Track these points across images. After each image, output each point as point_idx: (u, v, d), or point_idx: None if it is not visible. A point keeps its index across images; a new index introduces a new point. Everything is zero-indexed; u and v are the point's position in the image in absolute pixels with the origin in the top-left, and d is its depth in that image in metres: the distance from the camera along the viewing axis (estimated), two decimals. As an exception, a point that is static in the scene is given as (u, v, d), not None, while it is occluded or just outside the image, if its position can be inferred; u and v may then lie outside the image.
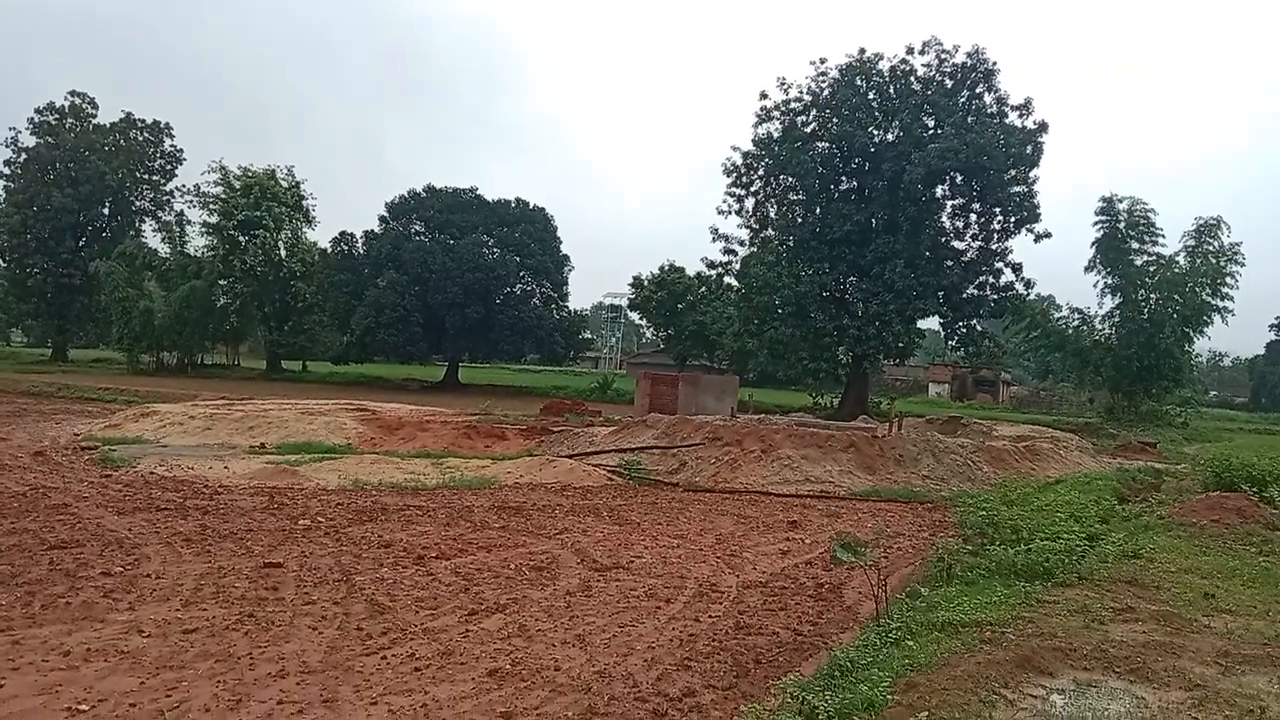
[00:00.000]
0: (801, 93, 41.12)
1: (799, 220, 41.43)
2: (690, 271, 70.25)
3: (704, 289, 67.44)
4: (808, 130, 40.80)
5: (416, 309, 50.93)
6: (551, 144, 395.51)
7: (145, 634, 6.42)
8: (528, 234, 54.83)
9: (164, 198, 64.94)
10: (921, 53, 40.16)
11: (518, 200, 57.43)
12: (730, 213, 42.96)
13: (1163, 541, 9.93)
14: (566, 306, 59.09)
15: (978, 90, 39.71)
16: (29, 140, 61.31)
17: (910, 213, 37.89)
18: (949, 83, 39.69)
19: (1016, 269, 40.36)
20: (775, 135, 41.25)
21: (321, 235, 75.16)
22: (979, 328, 41.95)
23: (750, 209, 42.80)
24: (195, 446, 18.42)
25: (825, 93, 40.63)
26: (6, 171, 61.51)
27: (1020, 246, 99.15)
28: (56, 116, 62.00)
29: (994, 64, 39.40)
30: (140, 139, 63.86)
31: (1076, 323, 44.51)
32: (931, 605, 7.12)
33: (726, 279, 48.09)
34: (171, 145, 64.88)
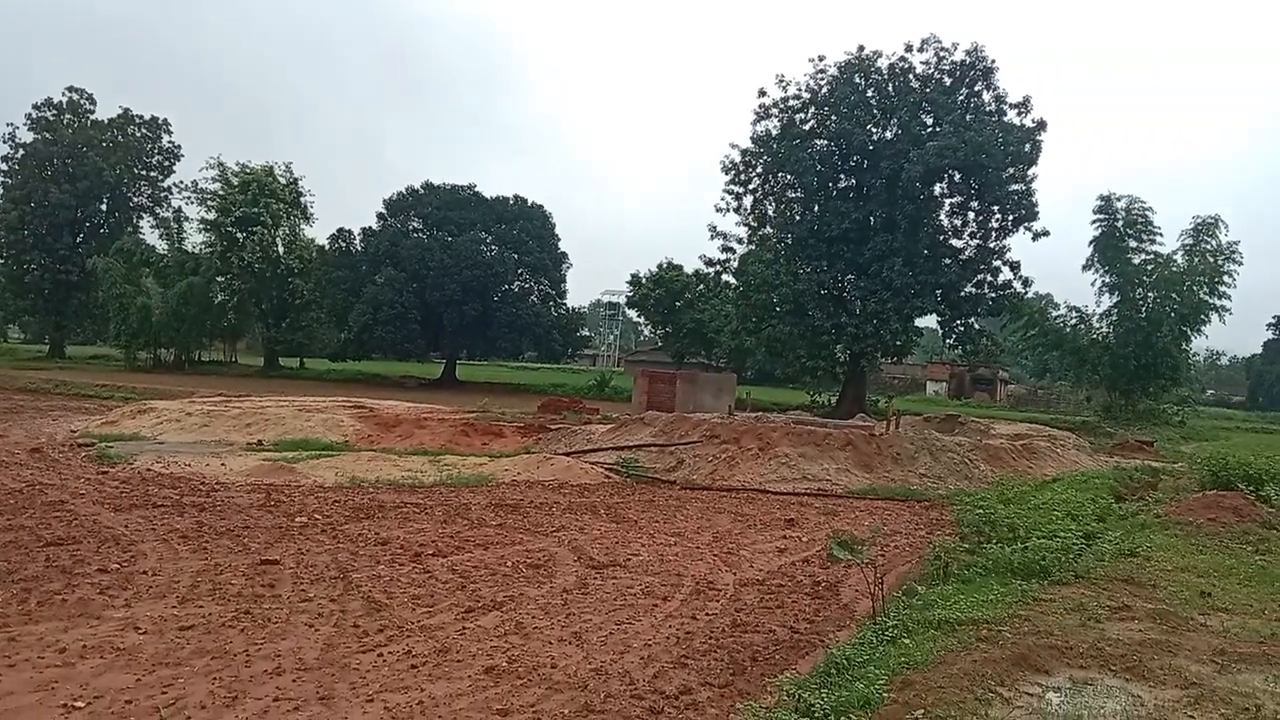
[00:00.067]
0: (800, 90, 41.15)
1: (797, 218, 41.42)
2: (688, 269, 70.42)
3: (702, 287, 67.51)
4: (806, 128, 40.80)
5: (414, 306, 50.87)
6: (550, 142, 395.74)
7: (141, 631, 6.41)
8: (526, 231, 54.77)
9: (162, 194, 64.94)
10: (920, 51, 40.19)
11: (516, 197, 57.37)
12: (729, 210, 43.03)
13: (1159, 540, 9.95)
14: (564, 304, 59.11)
15: (976, 88, 39.73)
16: (27, 136, 61.41)
17: (908, 211, 37.89)
18: (948, 81, 39.69)
19: (1014, 267, 40.44)
20: (774, 133, 41.25)
21: (319, 232, 75.04)
22: (977, 326, 42.00)
23: (749, 207, 42.86)
24: (192, 443, 18.41)
25: (824, 90, 40.62)
26: (4, 167, 61.51)
27: (1018, 245, 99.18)
28: (54, 112, 61.89)
29: (992, 62, 39.46)
30: (138, 135, 63.78)
31: (1074, 321, 44.55)
32: (928, 603, 7.12)
33: (725, 277, 48.07)
34: (169, 141, 64.95)
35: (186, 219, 60.87)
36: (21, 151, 60.99)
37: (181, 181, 63.70)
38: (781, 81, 41.31)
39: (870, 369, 46.38)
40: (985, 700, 4.76)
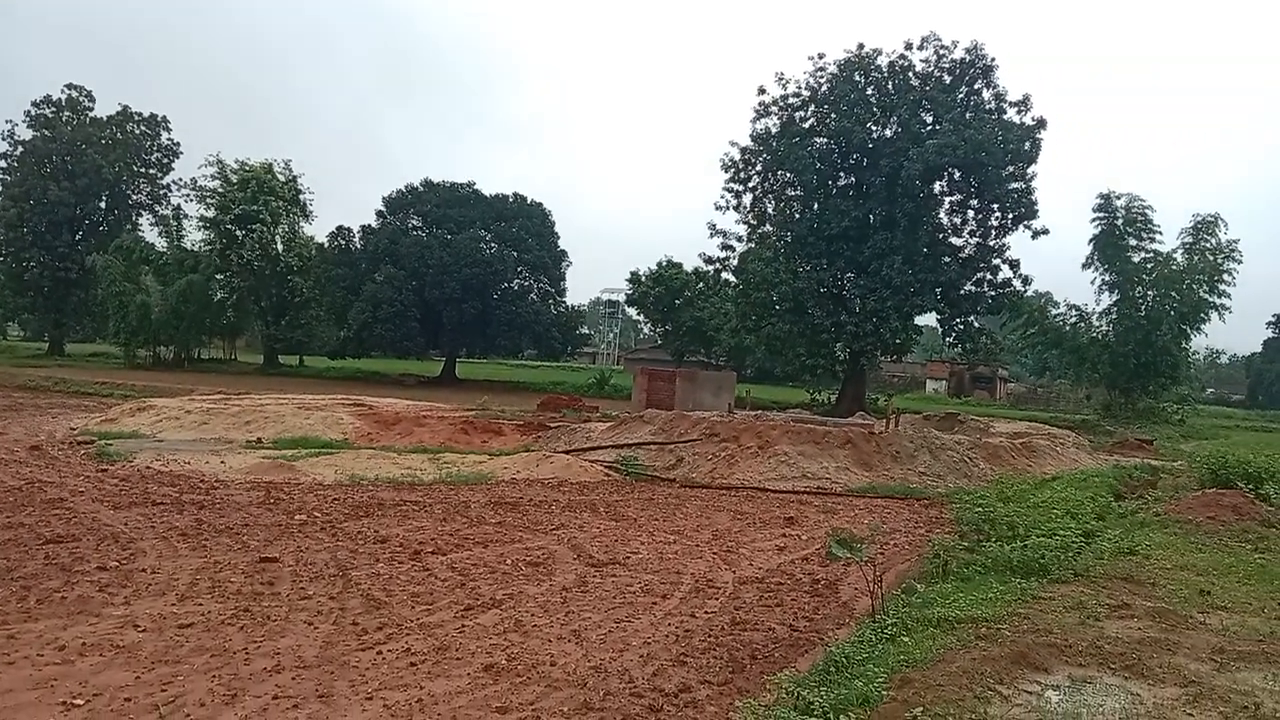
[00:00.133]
0: (800, 88, 41.17)
1: (797, 216, 41.42)
2: (688, 267, 70.39)
3: (702, 285, 67.51)
4: (806, 126, 40.80)
5: (414, 304, 50.86)
6: (551, 139, 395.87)
7: (140, 629, 6.41)
8: (525, 229, 54.75)
9: (161, 191, 64.91)
10: (920, 49, 40.22)
11: (515, 195, 57.36)
12: (728, 208, 43.07)
13: (1158, 538, 9.94)
14: (564, 302, 59.11)
15: (976, 86, 39.72)
16: (25, 133, 61.37)
17: (908, 209, 37.88)
18: (947, 79, 39.69)
19: (1014, 265, 40.47)
20: (773, 131, 41.27)
21: (319, 230, 75.05)
22: (976, 324, 42.04)
23: (748, 205, 42.88)
24: (191, 441, 18.40)
25: (823, 88, 40.63)
26: (3, 165, 61.46)
27: (1018, 243, 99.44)
28: (53, 110, 61.84)
29: (992, 60, 39.47)
30: (137, 132, 63.74)
31: (1074, 319, 44.61)
32: (927, 601, 7.12)
33: (724, 275, 48.10)
34: (168, 139, 64.92)
35: (186, 216, 60.90)
36: (21, 149, 60.95)
37: (181, 179, 63.83)
38: (781, 79, 41.38)
39: (870, 367, 46.41)
40: (984, 698, 4.76)
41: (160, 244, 60.78)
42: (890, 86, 40.15)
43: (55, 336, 64.77)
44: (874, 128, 39.75)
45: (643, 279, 74.20)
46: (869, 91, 40.14)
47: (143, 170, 64.46)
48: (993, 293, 40.60)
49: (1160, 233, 42.28)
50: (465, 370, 61.76)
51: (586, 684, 5.76)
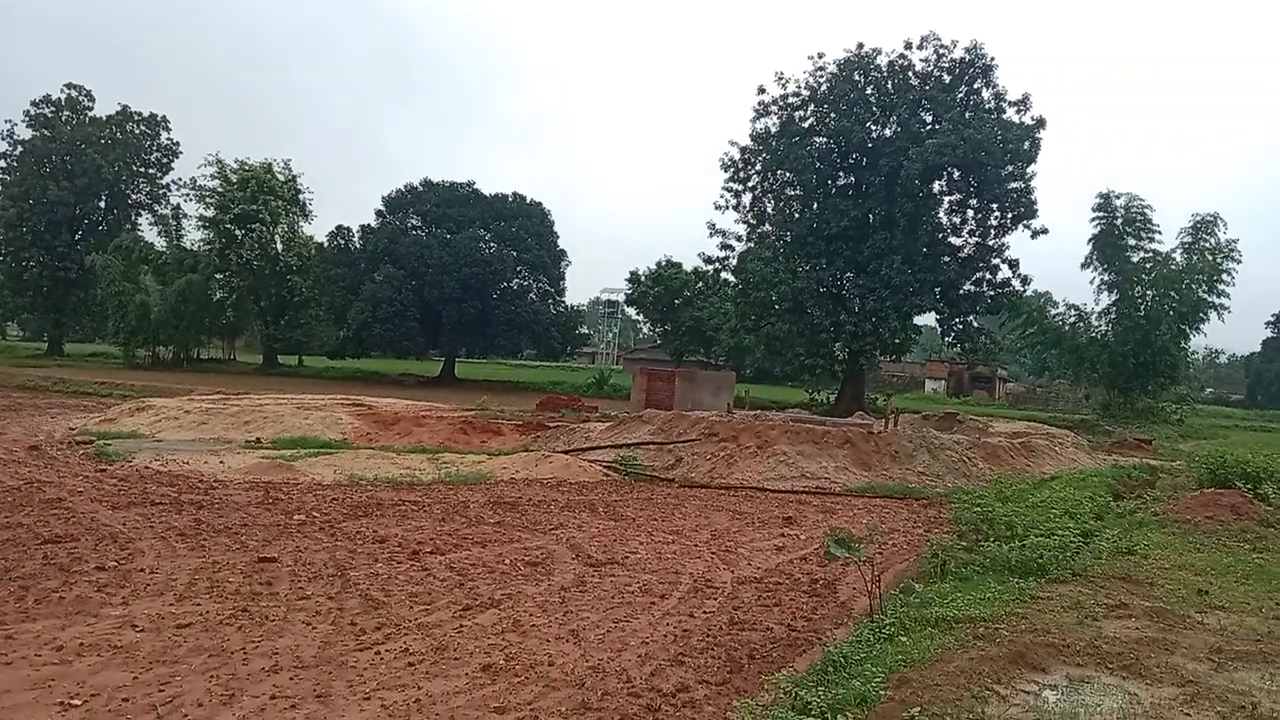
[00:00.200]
0: (799, 88, 41.13)
1: (796, 215, 41.40)
2: (687, 267, 70.35)
3: (701, 285, 67.51)
4: (805, 125, 40.77)
5: (413, 304, 50.85)
6: (551, 139, 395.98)
7: (139, 629, 6.41)
8: (525, 229, 54.74)
9: (160, 191, 64.90)
10: (920, 48, 40.19)
11: (515, 195, 57.34)
12: (727, 208, 43.03)
13: (1157, 538, 9.95)
14: (563, 302, 59.09)
15: (975, 86, 39.69)
16: (25, 133, 61.37)
17: (907, 208, 37.88)
18: (947, 78, 39.67)
19: (1013, 265, 40.45)
20: (773, 130, 41.23)
21: (318, 229, 75.11)
22: (975, 324, 42.04)
23: (748, 204, 42.85)
24: (190, 441, 18.40)
25: (823, 88, 40.59)
26: (2, 164, 61.48)
27: (1017, 243, 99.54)
28: (52, 109, 61.83)
29: (992, 60, 39.44)
30: (137, 132, 63.73)
31: (1073, 319, 44.61)
32: (925, 601, 7.13)
33: (724, 274, 48.08)
34: (168, 138, 64.93)
35: (185, 216, 60.89)
36: (20, 148, 60.96)
37: (180, 178, 63.82)
38: (781, 79, 41.34)
39: (869, 367, 46.39)
40: (982, 698, 4.76)
41: (159, 244, 60.85)
42: (890, 86, 40.12)
43: (54, 336, 64.77)
44: (873, 127, 39.73)
45: (642, 279, 74.17)
46: (868, 91, 40.12)
47: (142, 170, 64.45)
48: (992, 292, 40.59)
49: (1160, 232, 42.34)
50: (464, 370, 61.77)
51: (584, 684, 5.76)
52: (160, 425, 20.32)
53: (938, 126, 38.04)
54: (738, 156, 42.12)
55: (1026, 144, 38.22)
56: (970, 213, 40.47)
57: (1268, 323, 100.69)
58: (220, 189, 56.32)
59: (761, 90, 41.56)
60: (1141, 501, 13.80)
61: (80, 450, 16.25)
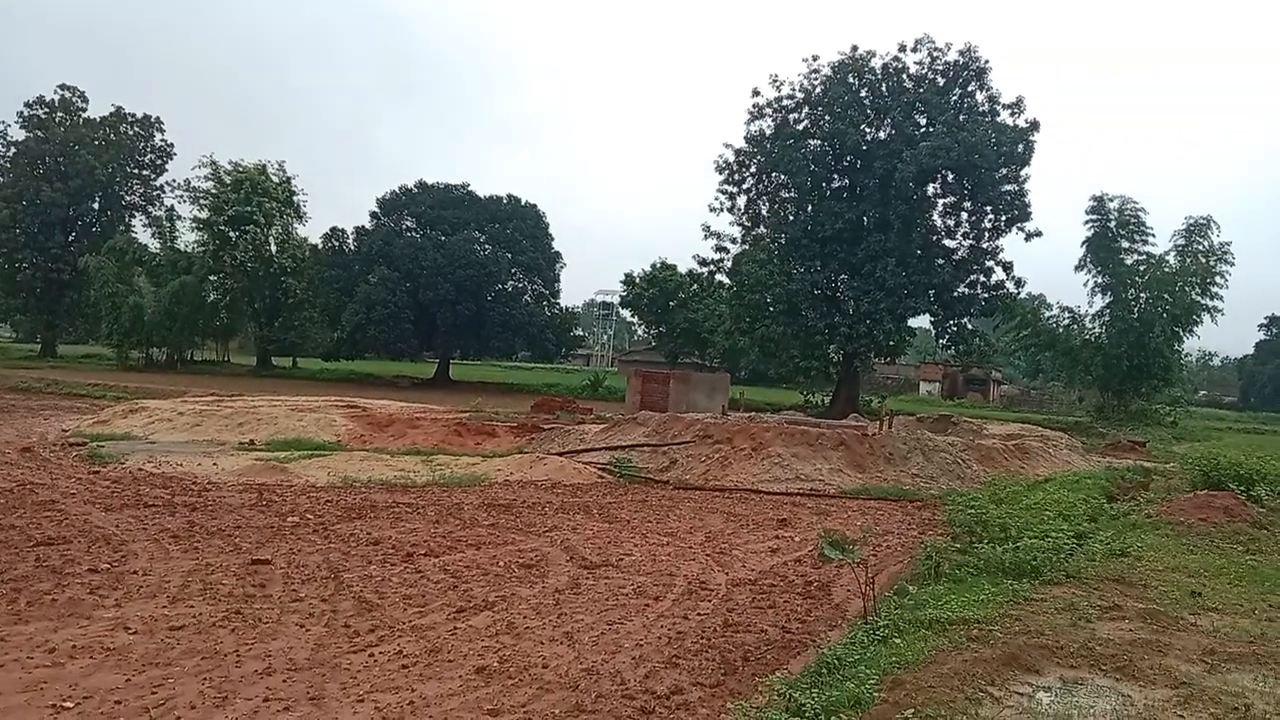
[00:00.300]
0: (794, 90, 41.21)
1: (790, 218, 41.46)
2: (682, 269, 70.38)
3: (696, 286, 67.47)
4: (800, 128, 40.84)
5: (407, 306, 50.80)
6: (550, 139, 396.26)
7: (131, 631, 6.39)
8: (519, 231, 54.76)
9: (154, 193, 64.78)
10: (914, 51, 40.29)
11: (509, 197, 57.35)
12: (722, 210, 43.11)
13: (1150, 540, 9.98)
14: (558, 303, 59.07)
15: (970, 89, 39.84)
16: (18, 134, 61.22)
17: (901, 211, 37.94)
18: (941, 81, 39.78)
19: (1007, 268, 40.60)
20: (767, 133, 41.30)
21: (313, 230, 74.80)
22: (970, 326, 42.10)
23: (742, 206, 42.91)
24: (184, 443, 18.35)
25: (817, 90, 40.66)
26: (-4, 165, 61.20)
27: (1011, 245, 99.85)
28: (46, 110, 61.69)
29: (986, 62, 39.57)
30: (130, 133, 63.59)
31: (1067, 322, 44.70)
32: (919, 603, 7.13)
33: (718, 277, 48.11)
34: (162, 140, 64.81)
35: (179, 218, 60.87)
36: (13, 149, 60.78)
37: (174, 180, 63.82)
38: (775, 81, 41.41)
39: (863, 369, 46.45)
40: (975, 700, 4.77)
41: (153, 245, 60.75)
42: (884, 89, 40.21)
43: (48, 338, 64.55)
44: (868, 130, 39.82)
45: (637, 281, 74.15)
46: (863, 94, 40.21)
47: (136, 171, 64.30)
48: (986, 295, 40.70)
49: (1153, 235, 42.47)
50: (459, 372, 61.69)
51: (578, 686, 5.76)
52: (154, 427, 20.26)
53: (932, 129, 38.12)
54: (732, 159, 42.22)
55: (1020, 147, 38.35)
56: (964, 215, 40.60)
57: (1261, 325, 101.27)
58: (214, 190, 56.23)
59: (756, 93, 41.69)
60: (1135, 503, 13.84)
61: (73, 452, 16.20)
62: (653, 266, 73.82)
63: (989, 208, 39.54)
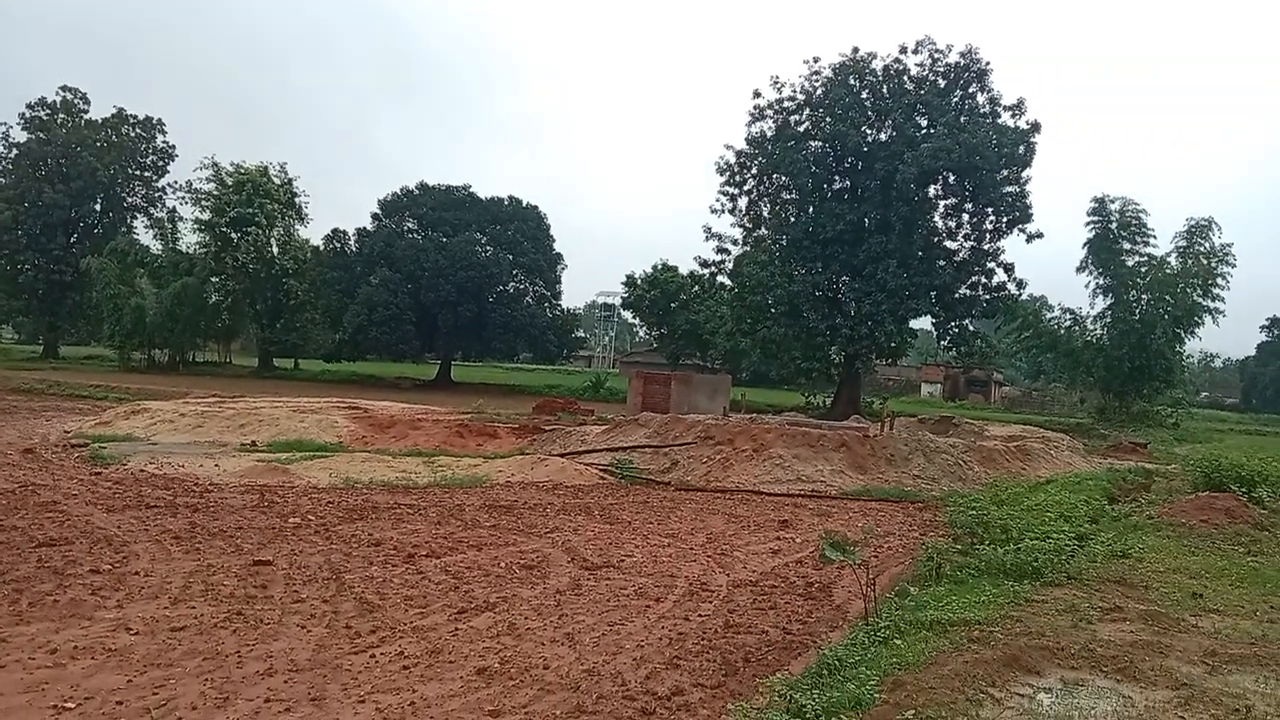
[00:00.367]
0: (795, 91, 41.18)
1: (792, 219, 41.44)
2: (683, 270, 70.35)
3: (697, 288, 67.42)
4: (801, 129, 40.81)
5: (409, 307, 50.84)
6: (550, 139, 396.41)
7: (133, 632, 6.40)
8: (521, 232, 54.78)
9: (156, 194, 64.75)
10: (915, 52, 40.26)
11: (511, 198, 57.40)
12: (723, 211, 43.07)
13: (1151, 541, 9.97)
14: (560, 305, 59.12)
15: (970, 90, 39.82)
16: (20, 136, 61.17)
17: (903, 212, 37.92)
18: (942, 82, 39.77)
19: (1008, 269, 40.58)
20: (768, 134, 41.27)
21: (315, 231, 74.99)
22: (971, 328, 42.09)
23: (743, 208, 42.88)
24: (186, 444, 18.36)
25: (818, 92, 40.64)
26: (-2, 167, 61.26)
27: (1012, 247, 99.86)
28: (48, 112, 61.70)
29: (987, 64, 39.55)
30: (132, 135, 63.59)
31: (1068, 323, 44.62)
32: (920, 604, 7.13)
33: (720, 278, 48.06)
34: (163, 141, 64.74)
35: (181, 219, 60.84)
36: (15, 151, 60.78)
37: (176, 181, 63.76)
38: (776, 83, 41.37)
39: (865, 370, 46.44)
40: (976, 701, 4.77)
41: (155, 247, 60.80)
42: (885, 90, 40.19)
43: (50, 339, 64.57)
44: (869, 131, 39.79)
45: (638, 282, 74.14)
46: (864, 95, 40.18)
47: (138, 173, 64.31)
48: (987, 296, 40.68)
49: (1154, 236, 42.40)
50: (460, 373, 61.72)
51: (579, 687, 5.76)
52: (155, 428, 20.28)
53: (933, 131, 38.10)
54: (733, 160, 42.18)
55: (1021, 148, 38.33)
56: (965, 217, 40.58)
57: (1262, 326, 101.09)
58: (215, 192, 56.24)
59: (757, 94, 41.65)
60: (1136, 505, 13.83)
61: (75, 453, 16.23)
62: (654, 268, 73.84)
63: (990, 209, 39.52)
